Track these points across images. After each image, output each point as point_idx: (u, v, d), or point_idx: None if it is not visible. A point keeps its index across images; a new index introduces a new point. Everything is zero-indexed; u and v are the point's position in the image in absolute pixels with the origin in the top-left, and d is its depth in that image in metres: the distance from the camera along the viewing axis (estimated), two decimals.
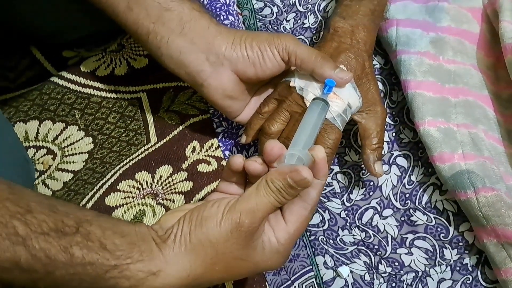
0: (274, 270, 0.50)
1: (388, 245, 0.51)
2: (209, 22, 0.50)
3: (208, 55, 0.49)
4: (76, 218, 0.37)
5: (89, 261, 0.36)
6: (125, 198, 0.55)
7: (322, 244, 0.51)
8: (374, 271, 0.51)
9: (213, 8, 0.64)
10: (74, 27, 0.60)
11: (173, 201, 0.55)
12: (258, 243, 0.40)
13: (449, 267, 0.50)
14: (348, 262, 0.51)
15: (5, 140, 0.53)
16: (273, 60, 0.49)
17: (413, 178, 0.53)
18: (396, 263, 0.51)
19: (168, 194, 0.55)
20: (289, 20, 0.64)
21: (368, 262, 0.51)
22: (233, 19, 0.64)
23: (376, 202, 0.53)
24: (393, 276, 0.50)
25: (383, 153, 0.53)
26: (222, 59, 0.49)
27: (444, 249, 0.51)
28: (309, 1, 0.64)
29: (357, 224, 0.53)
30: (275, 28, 0.63)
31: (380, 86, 0.57)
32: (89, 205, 0.55)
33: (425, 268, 0.50)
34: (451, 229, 0.51)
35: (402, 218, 0.52)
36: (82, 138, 0.59)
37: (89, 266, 0.36)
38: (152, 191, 0.55)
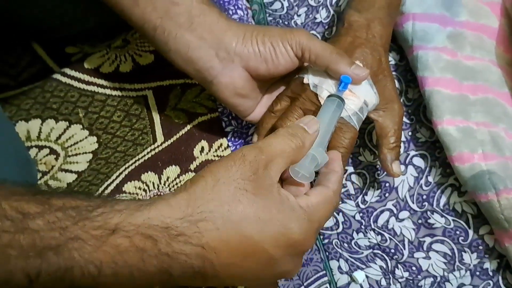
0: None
1: (405, 249, 0.49)
2: (218, 16, 0.47)
3: (218, 51, 0.47)
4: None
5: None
6: None
7: (336, 248, 0.50)
8: (390, 276, 0.49)
9: (221, 2, 0.62)
10: (77, 20, 0.58)
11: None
12: (273, 188, 0.36)
13: (468, 272, 0.48)
14: (364, 266, 0.49)
15: (6, 140, 0.51)
16: (286, 56, 0.47)
17: (430, 179, 0.51)
18: (414, 268, 0.49)
19: None
20: (300, 15, 0.61)
21: (384, 266, 0.49)
22: (242, 14, 0.62)
23: (392, 204, 0.51)
24: (411, 281, 0.48)
25: None
26: (232, 55, 0.47)
27: (463, 253, 0.49)
28: None
29: (373, 227, 0.51)
30: (286, 23, 0.61)
31: (396, 83, 0.55)
32: None
33: (443, 273, 0.48)
34: (471, 232, 0.49)
35: (419, 221, 0.50)
36: (86, 137, 0.57)
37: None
38: (159, 193, 0.53)
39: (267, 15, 0.62)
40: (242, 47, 0.47)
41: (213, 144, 0.55)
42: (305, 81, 0.48)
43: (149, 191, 0.54)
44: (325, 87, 0.47)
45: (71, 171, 0.56)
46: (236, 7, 0.62)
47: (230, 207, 0.34)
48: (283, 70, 0.48)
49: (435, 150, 0.52)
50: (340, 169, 0.41)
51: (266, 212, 0.35)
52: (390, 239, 0.50)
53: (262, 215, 0.34)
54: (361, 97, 0.47)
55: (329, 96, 0.45)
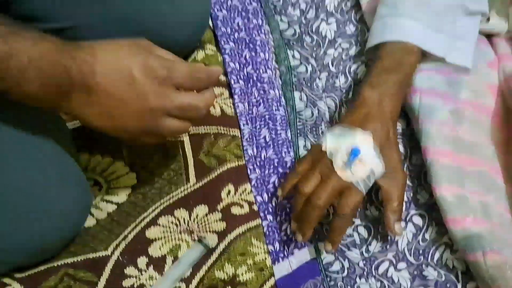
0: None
1: None
2: None
3: None
4: None
5: None
6: (163, 232, 0.60)
7: None
8: None
9: (253, 61, 0.70)
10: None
11: (205, 239, 0.60)
12: None
13: None
14: None
15: (73, 163, 0.56)
16: None
17: (427, 236, 0.59)
18: None
19: (203, 232, 0.60)
20: (321, 79, 0.70)
21: None
22: (271, 73, 0.70)
23: (392, 256, 0.58)
24: None
25: None
26: None
27: None
28: (341, 63, 0.70)
29: (374, 274, 0.58)
30: (308, 84, 0.70)
31: (401, 148, 0.63)
32: (131, 236, 0.60)
33: None
34: (459, 286, 0.56)
35: (415, 272, 0.57)
36: (127, 173, 0.64)
37: None
38: (188, 228, 0.60)
39: (293, 76, 0.70)
40: None
41: (238, 188, 0.63)
42: (323, 148, 0.55)
43: (180, 225, 0.61)
44: (339, 157, 0.54)
45: (111, 202, 0.63)
46: (266, 66, 0.70)
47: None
48: None
49: (432, 211, 0.60)
50: None
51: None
52: (389, 286, 0.57)
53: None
54: (368, 166, 0.54)
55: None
